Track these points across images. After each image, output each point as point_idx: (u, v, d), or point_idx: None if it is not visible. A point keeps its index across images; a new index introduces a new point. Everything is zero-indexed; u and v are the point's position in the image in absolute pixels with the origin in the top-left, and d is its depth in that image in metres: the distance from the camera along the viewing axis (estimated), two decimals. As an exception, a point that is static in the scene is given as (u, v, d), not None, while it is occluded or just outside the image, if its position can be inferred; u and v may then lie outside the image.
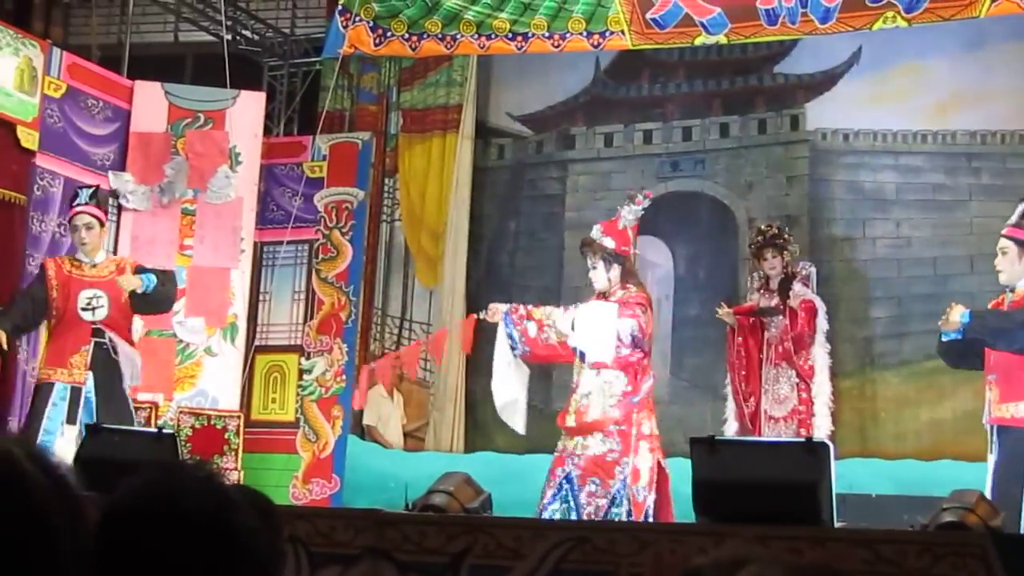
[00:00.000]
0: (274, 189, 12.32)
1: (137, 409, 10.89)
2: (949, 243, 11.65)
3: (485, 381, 12.34)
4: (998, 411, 7.78)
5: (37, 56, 10.87)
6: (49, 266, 9.69)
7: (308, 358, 11.97)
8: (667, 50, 12.10)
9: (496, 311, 8.91)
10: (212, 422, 11.06)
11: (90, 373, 9.43)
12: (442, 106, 13.28)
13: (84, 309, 9.51)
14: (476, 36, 11.37)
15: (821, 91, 12.45)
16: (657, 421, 8.66)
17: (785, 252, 10.54)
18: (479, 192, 13.19)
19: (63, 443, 9.17)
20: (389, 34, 11.50)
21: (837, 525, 5.73)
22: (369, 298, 12.99)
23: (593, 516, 8.07)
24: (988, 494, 7.28)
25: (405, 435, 12.60)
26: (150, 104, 11.92)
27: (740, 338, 10.60)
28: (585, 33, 11.06)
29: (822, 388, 10.40)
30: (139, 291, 9.53)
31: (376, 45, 11.63)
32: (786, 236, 10.65)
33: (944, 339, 8.00)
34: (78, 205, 9.71)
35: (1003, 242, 8.05)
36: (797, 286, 10.48)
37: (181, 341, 11.62)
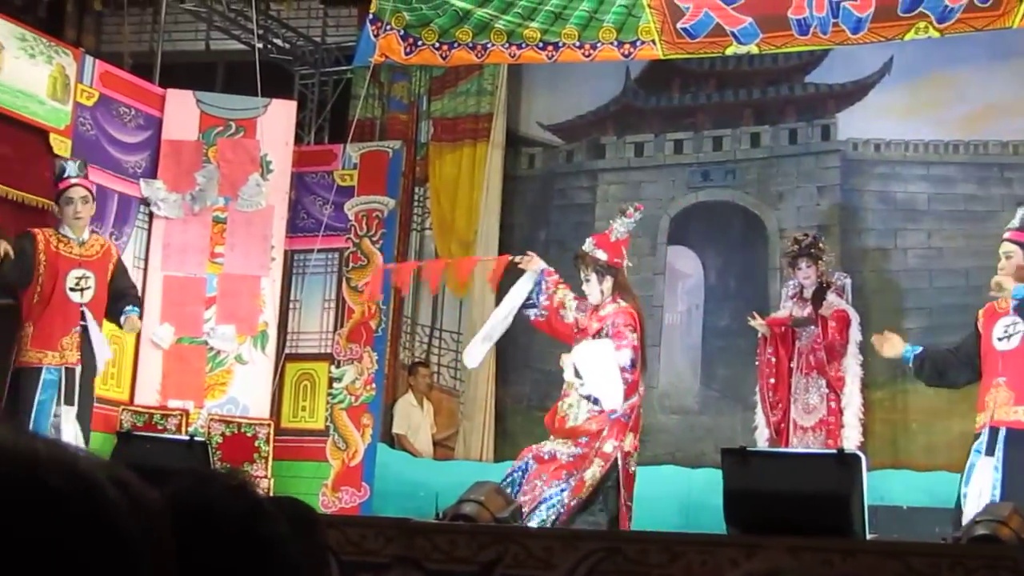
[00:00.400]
0: (305, 197, 12.33)
1: (167, 416, 10.94)
2: (981, 254, 11.56)
3: (516, 390, 12.39)
4: (1010, 414, 7.77)
5: (70, 64, 10.91)
6: (39, 237, 9.58)
7: (338, 366, 11.97)
8: (698, 60, 12.08)
9: (533, 260, 8.97)
10: (242, 430, 11.07)
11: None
12: (472, 115, 13.29)
13: (72, 290, 9.47)
14: (507, 45, 11.37)
15: (852, 101, 12.41)
16: (639, 438, 8.75)
17: (820, 262, 10.51)
18: (509, 201, 13.19)
19: (65, 427, 9.20)
20: (420, 43, 11.51)
21: (869, 537, 5.71)
22: (399, 307, 12.99)
23: (524, 505, 8.09)
24: (990, 497, 7.28)
25: (435, 444, 12.59)
26: (182, 112, 11.95)
27: (771, 347, 10.57)
28: (616, 43, 11.04)
29: (852, 399, 10.36)
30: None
31: (407, 54, 11.63)
32: (821, 246, 10.62)
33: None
34: (71, 177, 9.70)
35: (1008, 247, 8.05)
36: (831, 296, 10.45)
37: (212, 349, 11.63)
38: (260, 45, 13.10)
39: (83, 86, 11.03)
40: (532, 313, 8.98)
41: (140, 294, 11.43)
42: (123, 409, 11.00)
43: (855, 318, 10.47)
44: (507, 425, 12.41)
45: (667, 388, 12.56)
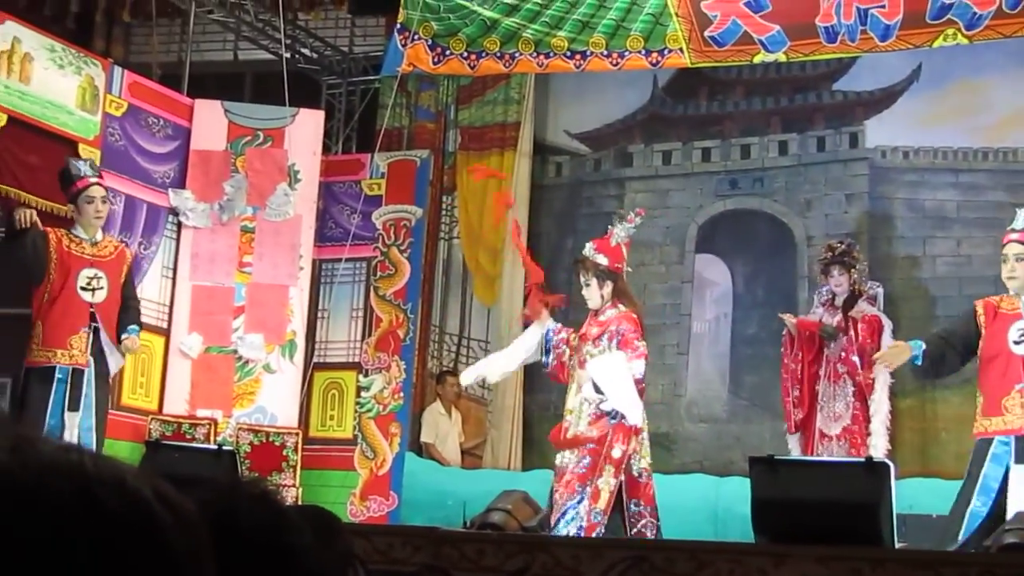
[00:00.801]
0: (332, 207, 12.34)
1: (196, 425, 10.96)
2: (1011, 262, 11.54)
3: (542, 399, 12.38)
4: None
5: (98, 75, 10.95)
6: (52, 235, 9.50)
7: (366, 375, 11.97)
8: (725, 68, 12.07)
9: (542, 315, 9.03)
10: (271, 439, 11.08)
11: (91, 358, 9.35)
12: (500, 124, 13.31)
13: (84, 289, 9.37)
14: (535, 54, 11.36)
15: (880, 108, 12.39)
16: (640, 444, 8.68)
17: (853, 270, 10.49)
18: (537, 210, 13.20)
19: (68, 434, 9.03)
20: (448, 52, 11.51)
21: (898, 546, 5.69)
22: (427, 315, 13.01)
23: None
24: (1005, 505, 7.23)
25: (463, 452, 12.59)
26: (210, 122, 11.98)
27: (797, 349, 10.55)
28: (643, 51, 11.02)
29: (881, 406, 10.32)
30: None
31: (435, 63, 11.63)
32: (855, 254, 10.59)
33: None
34: (88, 176, 9.61)
35: (1017, 248, 7.98)
36: (863, 304, 10.43)
37: (240, 358, 11.65)
38: (288, 55, 13.13)
39: (112, 96, 11.07)
40: (545, 369, 9.16)
41: (169, 304, 11.50)
42: (152, 418, 11.01)
43: (888, 325, 10.43)
44: (534, 433, 12.40)
45: (695, 396, 12.55)
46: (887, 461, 6.78)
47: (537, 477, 11.33)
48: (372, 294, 12.11)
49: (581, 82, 12.98)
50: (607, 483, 8.37)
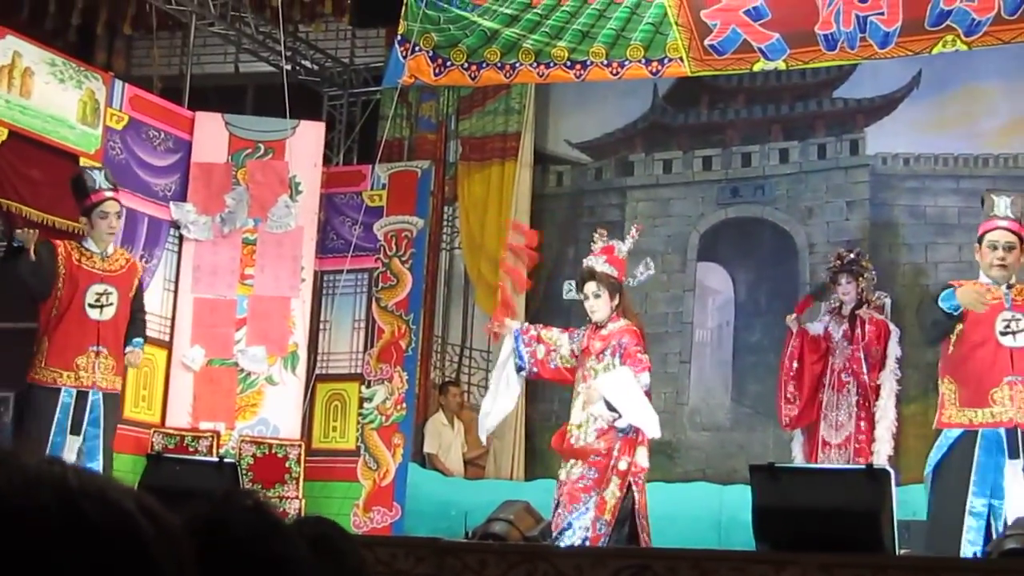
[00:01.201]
0: (334, 218, 12.36)
1: (199, 438, 10.96)
2: (1013, 267, 11.54)
3: (545, 408, 12.38)
4: None
5: (99, 88, 10.96)
6: (60, 248, 9.30)
7: (368, 386, 11.97)
8: (726, 76, 12.08)
9: (504, 326, 9.03)
10: (274, 451, 11.08)
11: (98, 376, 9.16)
12: (501, 134, 13.32)
13: (92, 306, 9.18)
14: (535, 64, 11.36)
15: (881, 115, 12.40)
16: (649, 455, 8.65)
17: (861, 279, 10.51)
18: (538, 219, 13.20)
19: (69, 457, 8.41)
20: (449, 63, 11.51)
21: (900, 552, 5.68)
22: (429, 326, 13.01)
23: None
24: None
25: (466, 463, 12.59)
26: (211, 135, 11.99)
27: (800, 346, 10.56)
28: (644, 60, 11.02)
29: (886, 413, 10.33)
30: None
31: (436, 75, 11.63)
32: (864, 263, 10.61)
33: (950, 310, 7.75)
34: (104, 190, 9.39)
35: (1010, 237, 7.86)
36: (871, 311, 10.46)
37: (242, 370, 11.66)
38: (289, 67, 13.15)
39: (113, 110, 11.09)
40: (523, 375, 9.03)
41: (171, 316, 11.49)
42: (154, 431, 11.02)
43: (895, 332, 10.45)
44: (536, 443, 12.39)
45: (698, 405, 12.55)
46: (888, 468, 6.77)
47: (540, 487, 11.33)
48: (374, 305, 12.12)
49: (581, 92, 12.99)
50: (613, 495, 8.35)
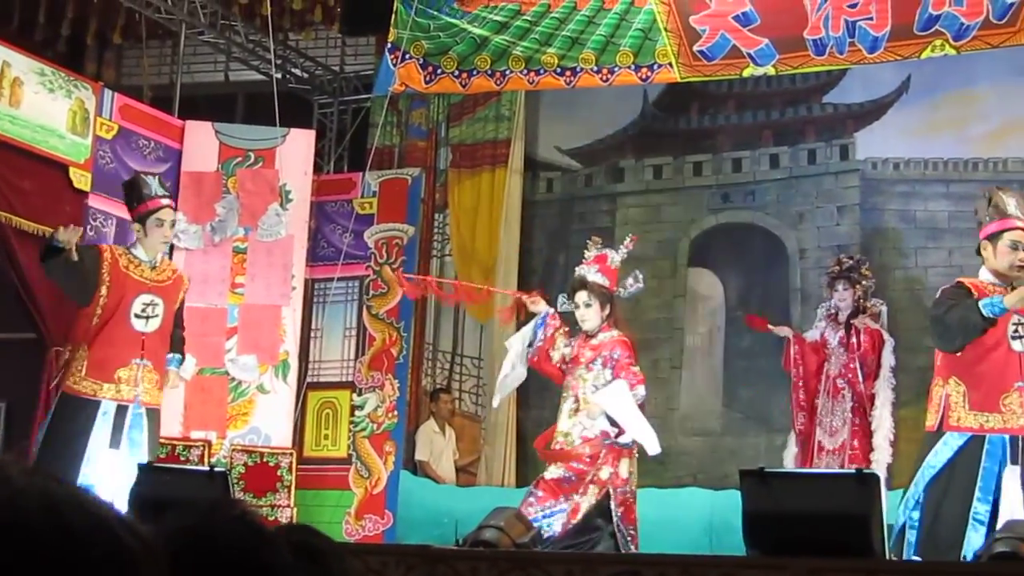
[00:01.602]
0: (325, 226, 12.36)
1: (190, 447, 10.94)
2: (1003, 271, 11.55)
3: (536, 415, 12.38)
4: None
5: (89, 98, 10.96)
6: (106, 253, 8.92)
7: (360, 394, 11.97)
8: (716, 82, 12.09)
9: (539, 303, 8.99)
10: (265, 459, 11.07)
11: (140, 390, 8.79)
12: (491, 141, 13.33)
13: (138, 316, 8.81)
14: (525, 71, 11.36)
15: (871, 120, 12.43)
16: (634, 468, 8.62)
17: (858, 287, 10.52)
18: (529, 226, 13.22)
19: (106, 472, 8.49)
20: (439, 71, 11.51)
21: (891, 557, 5.68)
22: (420, 333, 13.01)
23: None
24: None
25: (457, 470, 12.59)
26: (201, 143, 11.99)
27: (799, 355, 10.58)
28: (633, 67, 11.03)
29: (883, 422, 10.36)
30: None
31: (427, 82, 11.64)
32: (864, 271, 10.63)
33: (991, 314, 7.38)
34: (160, 197, 9.06)
35: (1020, 236, 7.63)
36: (866, 319, 10.47)
37: (234, 379, 11.65)
38: (279, 75, 13.16)
39: (103, 119, 11.08)
40: (528, 354, 8.97)
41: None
42: (146, 441, 11.00)
43: (890, 342, 10.47)
44: (528, 449, 12.36)
45: (689, 410, 12.56)
46: (876, 472, 6.77)
47: (532, 493, 11.34)
48: (365, 313, 12.12)
49: (571, 98, 12.99)
50: (588, 502, 8.33)
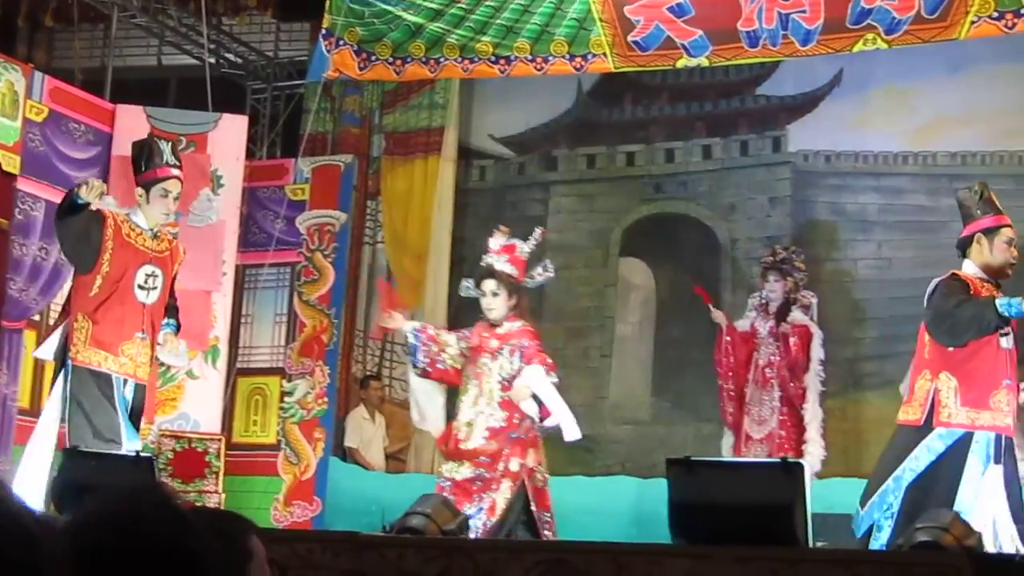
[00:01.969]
0: (256, 212, 12.31)
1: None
2: (932, 264, 11.59)
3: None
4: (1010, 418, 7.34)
5: (19, 80, 10.86)
6: (109, 220, 8.29)
7: (290, 380, 11.95)
8: (650, 73, 12.12)
9: (399, 320, 8.94)
10: (193, 445, 11.02)
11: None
12: (425, 129, 13.30)
13: (141, 287, 8.30)
14: (460, 59, 11.35)
15: (803, 113, 12.50)
16: (543, 455, 8.61)
17: (789, 278, 10.57)
18: (461, 214, 13.22)
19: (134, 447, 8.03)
20: (374, 58, 11.48)
21: (817, 545, 5.73)
22: (351, 320, 12.98)
23: None
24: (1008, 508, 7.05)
25: (387, 457, 12.57)
26: (132, 127, 11.87)
27: (730, 345, 10.65)
28: (568, 56, 11.04)
29: (815, 415, 10.43)
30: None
31: (361, 69, 11.60)
32: (797, 263, 10.67)
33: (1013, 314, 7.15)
34: (170, 167, 8.45)
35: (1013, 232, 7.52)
36: (796, 312, 10.52)
37: (163, 364, 11.55)
38: (212, 60, 13.09)
39: (32, 102, 10.98)
40: (416, 372, 8.87)
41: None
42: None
43: (818, 335, 10.54)
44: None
45: (618, 399, 12.59)
46: (801, 461, 6.79)
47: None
48: (296, 299, 12.10)
49: (506, 86, 12.99)
50: (504, 497, 8.30)
